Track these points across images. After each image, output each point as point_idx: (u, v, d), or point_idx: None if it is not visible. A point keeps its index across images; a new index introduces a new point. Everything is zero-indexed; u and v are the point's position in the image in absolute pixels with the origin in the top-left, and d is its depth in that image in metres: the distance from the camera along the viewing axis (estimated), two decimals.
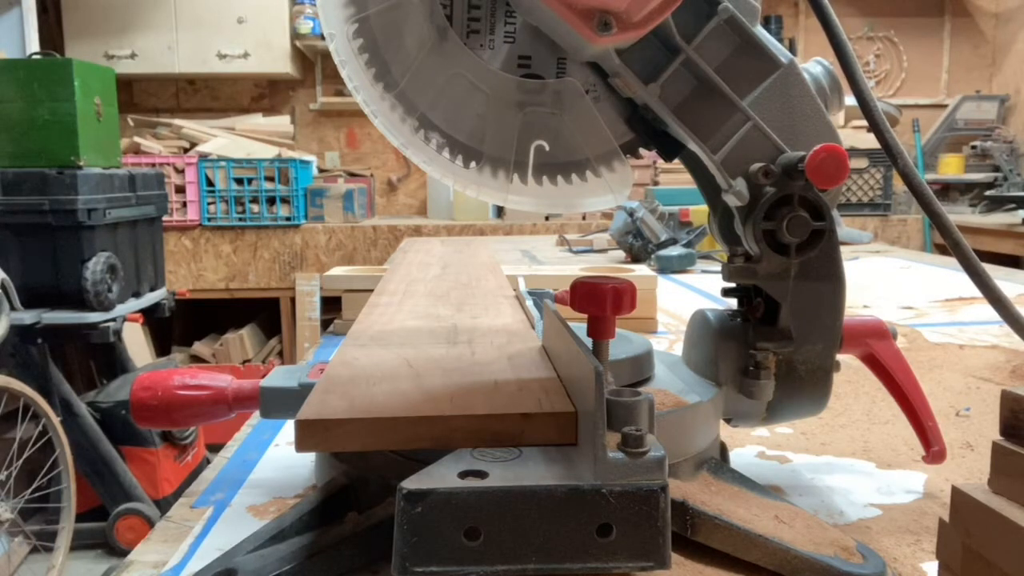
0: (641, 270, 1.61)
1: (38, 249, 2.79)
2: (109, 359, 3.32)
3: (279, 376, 0.67)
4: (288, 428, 0.88)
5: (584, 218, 4.18)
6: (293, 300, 4.40)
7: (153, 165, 4.02)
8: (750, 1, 0.60)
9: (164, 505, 3.03)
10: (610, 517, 0.42)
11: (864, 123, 0.59)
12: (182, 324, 4.75)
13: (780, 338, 0.63)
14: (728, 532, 0.55)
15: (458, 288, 1.00)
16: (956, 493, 0.44)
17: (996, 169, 4.89)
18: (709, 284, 1.92)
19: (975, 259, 0.61)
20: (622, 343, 0.66)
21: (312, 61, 5.05)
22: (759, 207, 0.59)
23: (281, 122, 4.88)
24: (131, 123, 4.52)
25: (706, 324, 0.68)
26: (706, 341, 0.68)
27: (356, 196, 4.40)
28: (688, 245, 2.25)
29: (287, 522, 0.55)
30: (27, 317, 2.69)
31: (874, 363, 0.70)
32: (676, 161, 0.66)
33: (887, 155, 0.61)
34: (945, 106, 5.25)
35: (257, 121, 4.84)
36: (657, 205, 2.45)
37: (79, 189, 2.77)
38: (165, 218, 3.61)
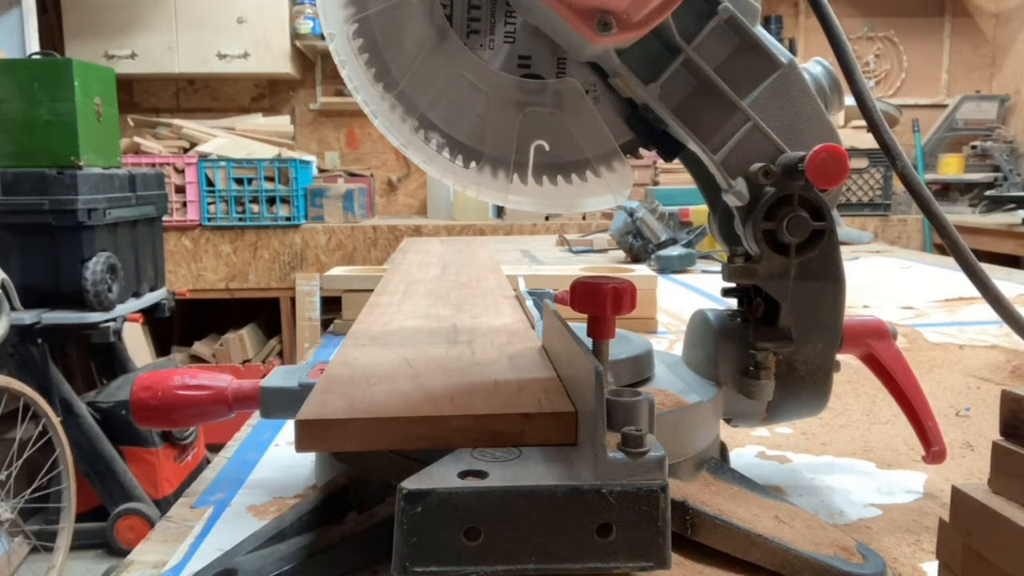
0: (641, 270, 1.61)
1: (38, 249, 2.79)
2: (109, 359, 3.32)
3: (279, 376, 0.67)
4: (288, 428, 0.88)
5: (584, 218, 4.18)
6: (293, 300, 4.40)
7: (153, 165, 4.02)
8: (750, 1, 0.60)
9: (164, 505, 3.03)
10: (610, 517, 0.42)
11: (864, 123, 0.59)
12: (182, 324, 4.75)
13: (780, 338, 0.63)
14: (728, 532, 0.55)
15: (458, 288, 1.00)
16: (956, 493, 0.44)
17: (996, 169, 4.89)
18: (709, 284, 1.92)
19: (973, 260, 0.61)
20: (622, 343, 0.66)
21: (312, 61, 5.05)
22: (759, 207, 0.59)
23: (281, 122, 4.89)
24: (131, 123, 4.52)
25: (706, 324, 0.68)
26: (706, 341, 0.68)
27: (356, 196, 4.40)
28: (688, 245, 2.25)
29: (287, 522, 0.55)
30: (27, 317, 2.69)
31: (874, 363, 0.70)
32: (676, 161, 0.66)
33: (886, 156, 0.61)
34: (945, 106, 5.25)
35: (257, 121, 4.84)
36: (657, 205, 2.45)
37: (79, 189, 2.77)
38: (165, 218, 3.61)
